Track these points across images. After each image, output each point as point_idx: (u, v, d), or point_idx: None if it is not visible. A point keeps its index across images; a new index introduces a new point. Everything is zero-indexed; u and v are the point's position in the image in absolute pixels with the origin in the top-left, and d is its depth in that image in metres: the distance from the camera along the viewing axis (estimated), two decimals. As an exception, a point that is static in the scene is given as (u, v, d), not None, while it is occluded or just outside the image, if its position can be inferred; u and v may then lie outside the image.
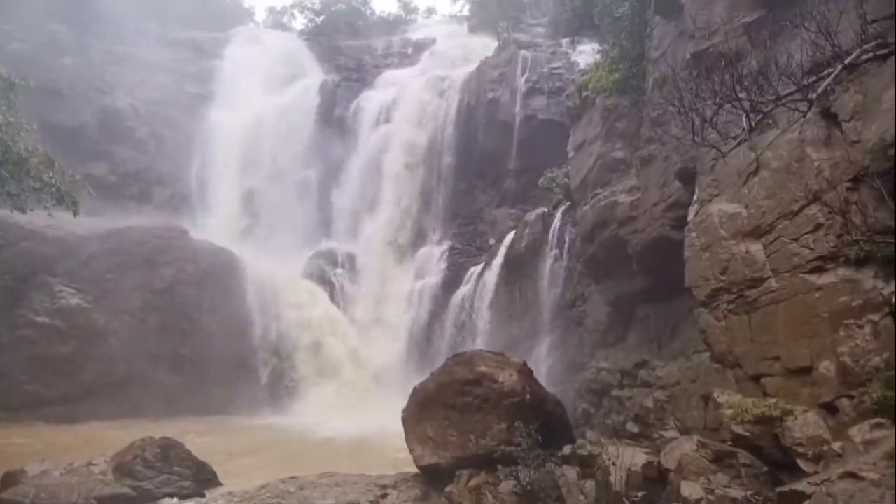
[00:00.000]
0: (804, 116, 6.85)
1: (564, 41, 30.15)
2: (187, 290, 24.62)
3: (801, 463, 7.22)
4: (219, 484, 12.77)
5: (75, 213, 17.93)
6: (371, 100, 34.03)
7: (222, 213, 32.39)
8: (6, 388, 20.92)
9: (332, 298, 28.13)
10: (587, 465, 9.28)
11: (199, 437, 15.40)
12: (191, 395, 22.72)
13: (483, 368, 11.11)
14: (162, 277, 24.51)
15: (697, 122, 7.30)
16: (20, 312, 21.98)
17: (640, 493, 7.75)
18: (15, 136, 16.40)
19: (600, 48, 19.17)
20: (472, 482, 9.97)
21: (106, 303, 23.47)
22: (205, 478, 12.78)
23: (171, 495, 11.60)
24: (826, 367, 7.60)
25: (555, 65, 28.57)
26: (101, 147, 31.49)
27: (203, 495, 11.73)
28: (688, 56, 11.93)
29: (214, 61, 37.81)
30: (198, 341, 24.09)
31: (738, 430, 7.90)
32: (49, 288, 22.73)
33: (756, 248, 9.06)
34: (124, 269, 24.16)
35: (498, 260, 23.21)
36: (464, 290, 24.82)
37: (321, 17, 45.99)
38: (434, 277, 27.13)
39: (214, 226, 30.82)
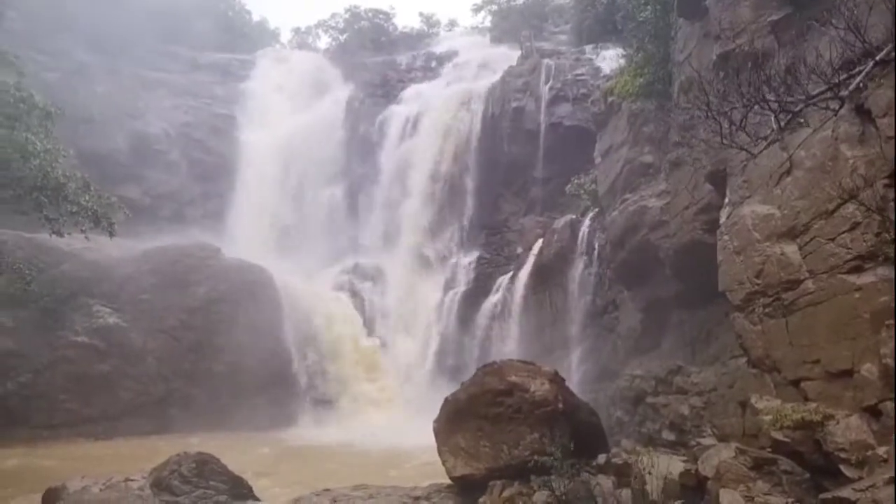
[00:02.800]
0: (836, 115, 6.70)
1: (588, 47, 30.09)
2: (221, 308, 25.00)
3: (844, 469, 6.99)
4: (254, 498, 12.83)
5: (111, 235, 18.36)
6: (396, 114, 34.34)
7: (253, 231, 32.88)
8: (47, 406, 21.45)
9: (362, 311, 28.30)
10: (623, 474, 9.11)
11: (233, 451, 15.52)
12: (225, 410, 22.99)
13: (514, 378, 11.01)
14: (196, 296, 24.95)
15: (726, 124, 7.19)
16: (60, 333, 22.54)
17: (677, 502, 7.58)
18: (53, 163, 16.90)
19: (624, 53, 19.08)
20: (506, 493, 9.87)
21: (142, 322, 23.96)
22: (240, 492, 12.86)
23: (208, 510, 11.68)
24: (868, 369, 7.37)
25: (579, 71, 28.53)
26: (133, 171, 32.25)
27: (239, 510, 11.81)
28: (714, 57, 11.79)
29: (242, 83, 38.67)
30: (231, 358, 24.40)
31: (778, 436, 7.69)
32: (88, 308, 23.30)
33: (791, 249, 8.86)
34: (159, 289, 24.66)
35: (526, 268, 23.12)
36: (493, 300, 24.76)
37: (345, 36, 46.65)
38: (462, 288, 27.12)
39: (246, 243, 31.28)
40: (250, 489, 13.15)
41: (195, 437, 20.12)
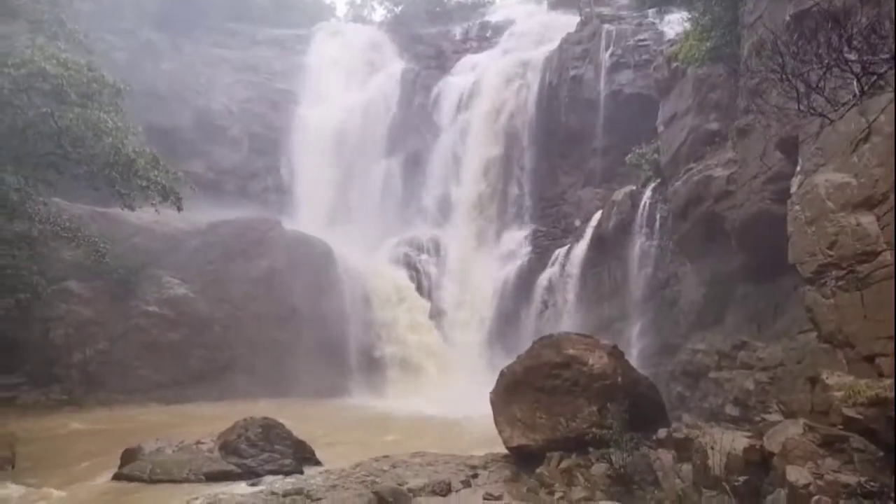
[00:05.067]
0: (924, 74, 6.24)
1: (650, 11, 28.84)
2: (282, 279, 25.72)
3: (922, 448, 6.67)
4: (317, 462, 13.30)
5: (179, 209, 19.10)
6: (451, 86, 34.08)
7: (313, 204, 33.49)
8: (122, 372, 22.67)
9: (418, 284, 28.55)
10: (683, 449, 8.96)
11: (296, 417, 16.06)
12: (286, 377, 23.74)
13: (571, 351, 10.96)
14: (259, 267, 25.74)
15: (802, 88, 6.79)
16: (133, 303, 23.67)
17: (741, 478, 7.41)
18: (123, 140, 17.60)
19: (689, 16, 18.28)
20: (564, 464, 9.89)
21: (209, 293, 24.92)
22: (304, 456, 13.35)
23: (273, 472, 12.17)
24: (952, 345, 6.97)
25: (641, 37, 27.53)
26: (198, 146, 33.26)
27: (302, 472, 12.25)
28: (787, 18, 11.16)
29: (300, 57, 39.09)
30: (293, 327, 25.12)
31: (850, 412, 7.37)
32: (158, 279, 24.37)
33: (868, 220, 8.40)
34: (224, 261, 25.58)
35: (584, 241, 22.77)
36: (549, 273, 24.53)
37: (399, 7, 46.33)
38: (519, 260, 26.96)
39: (306, 216, 31.97)
40: (313, 453, 13.64)
41: (259, 403, 20.88)
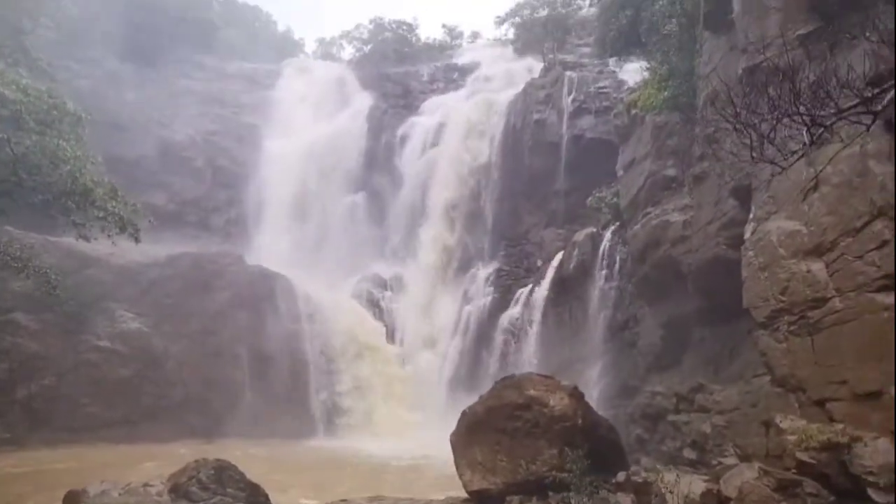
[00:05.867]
0: (868, 130, 6.57)
1: (611, 60, 29.85)
2: (241, 315, 25.19)
3: (871, 493, 6.79)
4: (271, 506, 12.84)
5: (137, 241, 18.63)
6: (417, 125, 34.52)
7: (276, 239, 33.13)
8: (70, 409, 21.72)
9: (381, 321, 28.31)
10: (642, 493, 8.95)
11: (252, 459, 15.57)
12: (243, 417, 23.10)
13: (533, 392, 10.91)
14: (217, 302, 25.19)
15: (754, 137, 7.07)
16: (84, 337, 22.84)
17: (699, 523, 7.42)
18: (81, 169, 17.21)
19: (648, 66, 18.98)
20: (524, 509, 9.75)
21: (165, 327, 24.22)
22: (257, 500, 12.83)
23: (224, 517, 11.68)
24: (899, 391, 7.18)
25: (602, 84, 28.44)
26: (160, 177, 32.74)
27: (255, 517, 11.79)
28: (740, 71, 11.67)
29: (268, 92, 39.17)
30: (251, 364, 24.55)
31: (803, 457, 7.50)
32: (111, 313, 23.61)
33: (818, 266, 8.70)
34: (182, 295, 24.95)
35: (546, 281, 22.98)
36: (512, 312, 24.62)
37: (368, 46, 47.09)
38: (481, 299, 27.02)
39: (268, 250, 31.55)
40: (267, 497, 13.13)
41: (214, 443, 20.21)
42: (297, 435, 23.18)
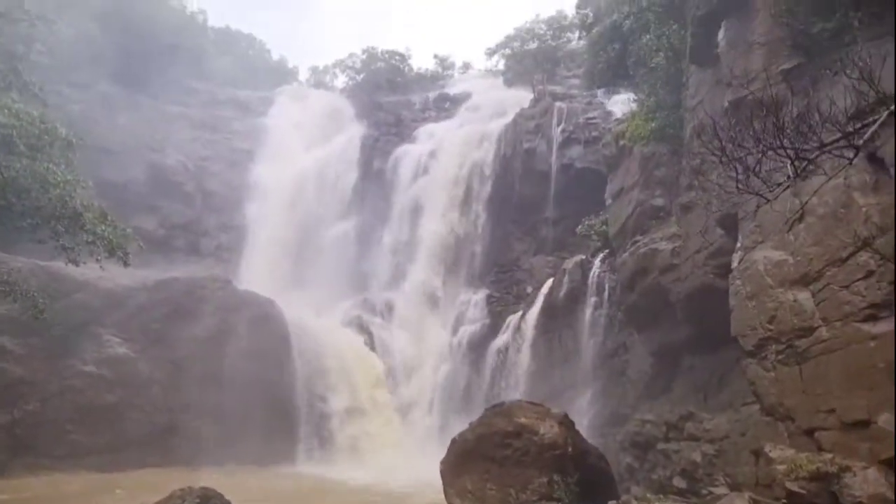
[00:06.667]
0: (850, 163, 6.73)
1: (599, 91, 30.46)
2: (229, 340, 24.95)
3: (863, 523, 6.82)
4: (257, 536, 12.65)
5: (126, 265, 18.50)
6: (409, 153, 34.79)
7: (265, 264, 33.06)
8: (53, 436, 21.32)
9: (371, 347, 28.16)
10: (633, 523, 8.93)
11: (238, 487, 15.31)
12: (229, 443, 22.73)
13: (523, 420, 10.88)
14: (205, 327, 24.96)
15: (740, 169, 7.22)
16: (69, 362, 22.52)
17: (690, 553, 7.40)
18: (72, 193, 17.15)
19: (636, 98, 19.32)
20: (514, 538, 9.66)
21: (152, 352, 23.95)
22: (243, 529, 12.67)
23: (209, 547, 11.49)
24: (886, 420, 7.25)
25: (590, 115, 28.90)
26: (150, 202, 32.71)
27: (241, 547, 11.60)
28: (725, 104, 11.93)
29: (260, 119, 39.46)
30: (239, 391, 24.21)
31: (793, 486, 7.52)
32: (98, 338, 23.33)
33: (804, 296, 8.81)
34: (170, 319, 24.71)
35: (536, 308, 23.02)
36: (502, 339, 24.60)
37: (361, 76, 47.57)
38: (472, 326, 27.00)
39: (258, 276, 31.45)
40: (253, 526, 12.96)
41: (201, 471, 19.87)
42: (285, 461, 22.86)
